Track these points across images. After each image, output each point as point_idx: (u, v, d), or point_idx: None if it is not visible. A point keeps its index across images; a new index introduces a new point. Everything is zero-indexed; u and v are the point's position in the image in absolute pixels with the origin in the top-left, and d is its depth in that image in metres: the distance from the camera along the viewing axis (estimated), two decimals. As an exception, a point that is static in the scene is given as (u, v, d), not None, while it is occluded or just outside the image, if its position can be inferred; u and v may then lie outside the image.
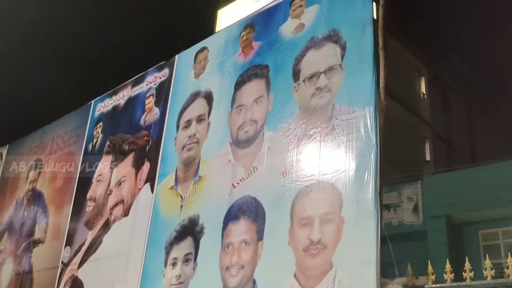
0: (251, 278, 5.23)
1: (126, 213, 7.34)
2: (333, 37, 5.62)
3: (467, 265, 4.56)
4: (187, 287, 5.88)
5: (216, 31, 8.81)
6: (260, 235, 5.34)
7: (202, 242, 5.96)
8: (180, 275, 6.02)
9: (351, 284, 4.46)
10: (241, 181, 5.85)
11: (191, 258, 6.01)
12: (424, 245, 10.27)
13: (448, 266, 4.60)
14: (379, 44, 5.26)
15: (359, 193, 4.73)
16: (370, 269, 4.38)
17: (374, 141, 4.83)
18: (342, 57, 5.44)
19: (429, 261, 4.66)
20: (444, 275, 4.63)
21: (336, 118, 5.21)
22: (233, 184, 5.91)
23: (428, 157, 15.42)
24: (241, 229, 5.57)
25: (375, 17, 5.42)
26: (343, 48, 5.47)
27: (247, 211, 5.60)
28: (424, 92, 16.24)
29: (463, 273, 4.58)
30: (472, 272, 4.47)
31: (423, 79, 16.34)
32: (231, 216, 5.74)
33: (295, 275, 4.85)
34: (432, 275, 4.60)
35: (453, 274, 4.60)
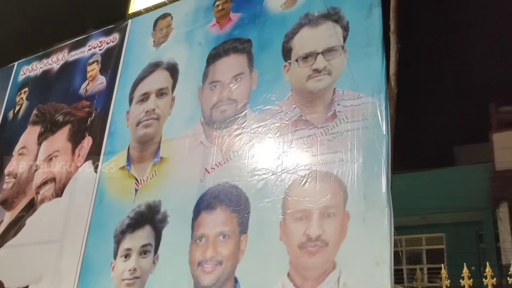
0: (232, 276, 4.56)
1: (58, 193, 6.30)
2: (332, 16, 5.13)
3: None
4: (144, 283, 5.06)
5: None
6: (243, 228, 4.69)
7: (165, 232, 5.18)
8: (135, 269, 5.17)
9: (360, 287, 3.98)
10: (218, 166, 5.16)
11: (150, 250, 5.19)
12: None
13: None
14: (389, 27, 4.87)
15: (367, 187, 4.27)
16: (384, 271, 3.92)
17: (385, 131, 4.40)
18: (345, 38, 4.96)
19: (443, 266, 4.32)
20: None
21: (338, 103, 4.71)
22: (206, 169, 5.20)
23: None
24: (218, 220, 4.88)
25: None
26: (346, 29, 4.99)
27: (226, 200, 4.92)
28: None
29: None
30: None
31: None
32: (204, 204, 5.02)
33: (288, 274, 4.27)
34: (447, 279, 4.26)
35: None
